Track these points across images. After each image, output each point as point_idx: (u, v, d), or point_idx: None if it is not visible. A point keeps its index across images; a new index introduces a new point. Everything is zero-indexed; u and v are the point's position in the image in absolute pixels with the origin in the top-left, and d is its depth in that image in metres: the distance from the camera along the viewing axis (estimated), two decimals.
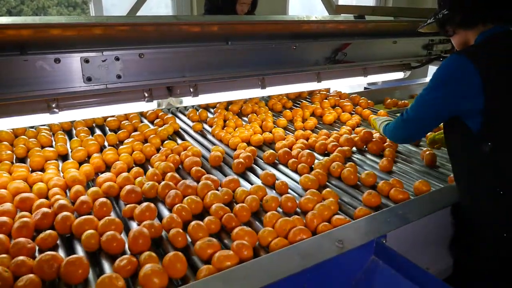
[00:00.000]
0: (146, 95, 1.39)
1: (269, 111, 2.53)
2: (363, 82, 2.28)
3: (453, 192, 1.39)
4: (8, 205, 1.31)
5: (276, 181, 1.59)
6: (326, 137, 2.08)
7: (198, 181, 1.55)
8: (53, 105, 1.23)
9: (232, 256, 1.09)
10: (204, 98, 1.56)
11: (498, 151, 1.18)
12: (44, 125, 2.07)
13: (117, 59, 1.21)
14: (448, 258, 1.43)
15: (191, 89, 1.48)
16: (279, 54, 1.58)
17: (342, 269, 1.08)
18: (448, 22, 1.32)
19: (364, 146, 2.03)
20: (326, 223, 1.28)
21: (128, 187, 1.44)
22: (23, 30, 1.07)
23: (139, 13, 3.78)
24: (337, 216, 1.33)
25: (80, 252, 1.17)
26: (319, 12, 4.87)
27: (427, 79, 3.70)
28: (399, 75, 2.24)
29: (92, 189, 1.44)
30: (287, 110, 2.52)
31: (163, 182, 1.49)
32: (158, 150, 1.89)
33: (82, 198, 1.36)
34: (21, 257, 1.07)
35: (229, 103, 2.56)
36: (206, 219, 1.29)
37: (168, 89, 1.45)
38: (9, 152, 1.74)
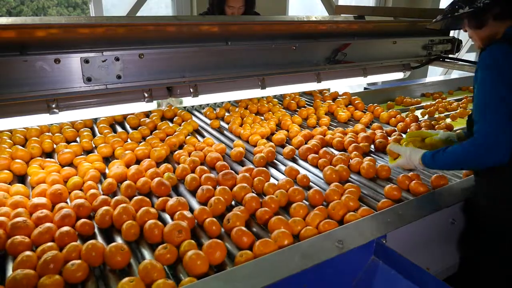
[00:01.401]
0: (146, 95, 1.39)
1: (283, 109, 2.62)
2: (363, 82, 2.28)
3: (452, 192, 1.39)
4: (43, 199, 1.38)
5: (298, 175, 1.66)
6: (342, 134, 2.16)
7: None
8: (53, 106, 1.23)
9: (271, 243, 1.14)
10: (204, 99, 1.56)
11: None
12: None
13: (117, 59, 1.21)
14: (449, 258, 1.43)
15: (191, 89, 1.48)
16: (279, 54, 1.58)
17: (342, 269, 1.08)
18: (487, 12, 1.27)
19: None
20: (353, 213, 1.34)
21: (157, 179, 1.52)
22: (23, 31, 1.07)
23: (139, 13, 3.77)
24: (363, 207, 1.38)
25: (119, 241, 1.24)
26: (319, 12, 4.87)
27: (427, 79, 3.71)
28: (399, 75, 2.23)
29: (125, 183, 1.53)
30: (302, 109, 2.60)
31: (205, 175, 1.59)
32: (181, 147, 2.00)
33: (118, 197, 1.42)
34: (74, 243, 1.16)
35: (247, 103, 2.67)
36: (237, 209, 1.36)
37: (168, 89, 1.45)
38: (37, 145, 1.83)
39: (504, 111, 1.15)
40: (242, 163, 1.85)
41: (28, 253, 1.10)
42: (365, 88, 3.32)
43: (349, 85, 3.36)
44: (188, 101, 1.53)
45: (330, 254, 1.04)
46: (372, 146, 2.08)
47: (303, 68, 1.69)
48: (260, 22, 1.59)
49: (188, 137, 2.07)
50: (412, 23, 2.02)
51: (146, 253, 1.20)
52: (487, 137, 1.17)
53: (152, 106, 1.44)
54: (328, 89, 3.11)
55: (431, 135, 1.70)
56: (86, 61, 1.16)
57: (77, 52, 1.15)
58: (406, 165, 1.54)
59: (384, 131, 2.23)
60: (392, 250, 1.08)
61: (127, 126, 2.25)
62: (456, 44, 2.17)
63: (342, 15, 2.48)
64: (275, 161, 1.89)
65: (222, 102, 2.70)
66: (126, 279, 1.01)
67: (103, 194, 1.47)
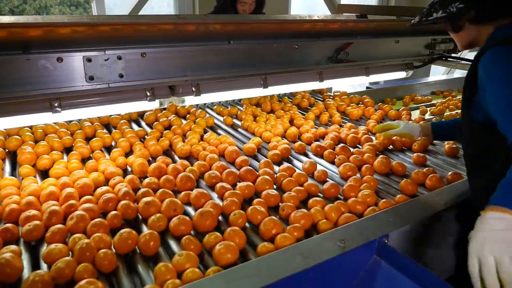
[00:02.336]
0: (148, 94, 1.39)
1: (295, 106, 2.65)
2: (365, 81, 2.28)
3: (455, 192, 1.39)
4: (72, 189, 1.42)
5: (315, 171, 1.68)
6: (355, 130, 2.18)
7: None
8: (56, 104, 1.23)
9: (289, 238, 1.17)
10: (206, 97, 1.56)
11: None
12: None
13: (119, 58, 1.21)
14: (450, 258, 1.42)
15: (193, 88, 1.48)
16: (281, 54, 1.58)
17: (344, 269, 1.08)
18: (461, 16, 1.24)
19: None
20: (374, 207, 1.37)
21: (182, 174, 1.55)
22: (25, 30, 1.07)
23: (141, 12, 3.78)
24: (382, 200, 1.41)
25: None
26: (321, 11, 4.87)
27: (430, 78, 3.70)
28: (402, 74, 2.23)
29: (147, 180, 1.54)
30: (314, 107, 2.63)
31: (227, 170, 1.61)
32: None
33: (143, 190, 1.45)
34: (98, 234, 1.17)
35: (260, 102, 2.70)
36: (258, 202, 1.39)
37: (170, 88, 1.45)
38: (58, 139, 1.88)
39: None
40: (256, 158, 1.88)
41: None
42: (367, 87, 3.32)
43: (351, 84, 3.36)
44: (190, 100, 1.53)
45: (332, 253, 1.04)
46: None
47: (305, 67, 1.69)
48: (263, 21, 1.59)
49: (205, 134, 2.10)
50: None
51: (173, 244, 1.22)
52: None
53: (154, 105, 1.45)
54: (331, 88, 3.11)
55: (395, 127, 1.90)
56: (89, 60, 1.16)
57: (79, 51, 1.15)
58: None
59: None
60: (394, 250, 1.08)
61: (143, 123, 2.27)
62: None
63: (344, 14, 2.48)
64: (290, 157, 1.90)
65: (233, 100, 2.76)
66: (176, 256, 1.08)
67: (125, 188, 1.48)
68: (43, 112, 1.23)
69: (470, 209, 1.35)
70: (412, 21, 1.40)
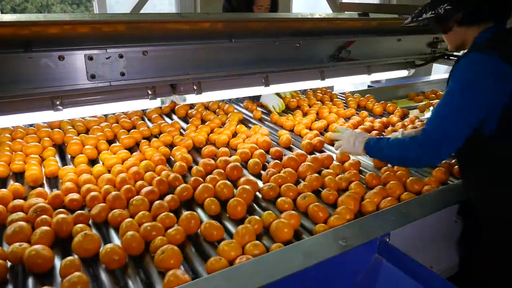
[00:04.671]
0: (150, 92, 1.39)
1: (318, 102, 2.76)
2: (367, 80, 2.28)
3: (458, 190, 1.38)
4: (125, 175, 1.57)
5: (349, 161, 1.77)
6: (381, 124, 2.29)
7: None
8: (57, 103, 1.23)
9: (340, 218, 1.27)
10: (208, 96, 1.56)
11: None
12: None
13: (121, 56, 1.21)
14: (452, 256, 1.42)
15: (195, 87, 1.48)
16: (283, 52, 1.57)
17: (346, 267, 1.08)
18: (448, 18, 1.27)
19: None
20: (408, 192, 1.47)
21: (232, 164, 1.67)
22: (27, 28, 1.08)
23: (142, 10, 3.77)
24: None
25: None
26: (323, 10, 4.85)
27: (432, 77, 3.69)
28: (403, 73, 2.23)
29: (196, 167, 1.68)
30: (338, 103, 2.72)
31: (273, 162, 1.75)
32: (234, 135, 2.16)
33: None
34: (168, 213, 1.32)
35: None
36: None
37: (172, 86, 1.45)
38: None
39: (460, 119, 1.17)
40: (290, 149, 2.01)
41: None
42: (369, 86, 3.31)
43: (353, 83, 3.35)
44: (192, 99, 1.53)
45: (334, 252, 1.04)
46: None
47: (307, 65, 1.69)
48: (264, 19, 1.59)
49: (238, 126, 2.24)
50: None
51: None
52: (435, 132, 1.20)
53: (156, 103, 1.44)
54: (332, 87, 3.10)
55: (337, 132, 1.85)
56: (90, 58, 1.16)
57: (81, 49, 1.15)
58: (349, 150, 1.55)
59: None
60: (396, 248, 1.08)
61: (175, 117, 2.41)
62: None
63: (346, 12, 2.47)
64: (322, 148, 2.01)
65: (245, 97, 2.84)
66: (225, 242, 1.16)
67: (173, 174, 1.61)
68: (45, 111, 1.23)
69: (471, 208, 1.35)
70: (405, 22, 1.42)
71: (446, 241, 1.40)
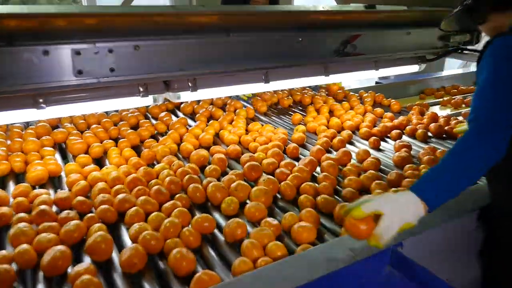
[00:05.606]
0: (141, 89, 1.37)
1: (332, 98, 2.85)
2: (374, 76, 2.28)
3: (477, 195, 1.36)
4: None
5: (369, 158, 1.86)
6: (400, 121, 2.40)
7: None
8: (40, 100, 1.21)
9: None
10: (204, 93, 1.55)
11: None
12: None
13: (110, 51, 1.19)
14: (472, 268, 1.40)
15: (190, 84, 1.47)
16: (284, 47, 1.56)
17: (354, 280, 1.07)
18: (479, 7, 1.30)
19: None
20: None
21: (251, 162, 1.76)
22: (10, 20, 1.06)
23: (134, 3, 3.76)
24: None
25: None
26: (327, 2, 4.85)
27: (444, 72, 3.68)
28: (414, 68, 2.21)
29: (210, 166, 1.79)
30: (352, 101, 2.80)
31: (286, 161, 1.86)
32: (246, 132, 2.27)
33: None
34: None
35: (294, 93, 2.92)
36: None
37: (165, 83, 1.43)
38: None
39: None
40: (304, 146, 2.11)
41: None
42: (376, 82, 3.30)
43: (359, 79, 3.34)
44: (186, 96, 1.51)
45: (341, 263, 1.02)
46: None
47: (310, 61, 1.68)
48: (264, 12, 1.58)
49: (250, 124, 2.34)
50: (427, 12, 1.99)
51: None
52: (488, 113, 1.06)
53: (147, 101, 1.43)
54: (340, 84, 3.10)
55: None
56: (77, 52, 1.14)
57: (67, 43, 1.13)
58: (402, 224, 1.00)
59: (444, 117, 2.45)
60: (409, 259, 1.06)
61: (180, 114, 2.51)
62: (476, 35, 2.14)
63: (351, 4, 2.46)
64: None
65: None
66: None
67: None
68: (27, 109, 1.21)
69: (492, 215, 1.33)
70: (445, 18, 1.52)
71: (465, 251, 1.38)
